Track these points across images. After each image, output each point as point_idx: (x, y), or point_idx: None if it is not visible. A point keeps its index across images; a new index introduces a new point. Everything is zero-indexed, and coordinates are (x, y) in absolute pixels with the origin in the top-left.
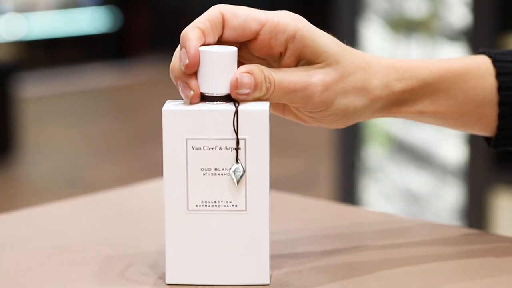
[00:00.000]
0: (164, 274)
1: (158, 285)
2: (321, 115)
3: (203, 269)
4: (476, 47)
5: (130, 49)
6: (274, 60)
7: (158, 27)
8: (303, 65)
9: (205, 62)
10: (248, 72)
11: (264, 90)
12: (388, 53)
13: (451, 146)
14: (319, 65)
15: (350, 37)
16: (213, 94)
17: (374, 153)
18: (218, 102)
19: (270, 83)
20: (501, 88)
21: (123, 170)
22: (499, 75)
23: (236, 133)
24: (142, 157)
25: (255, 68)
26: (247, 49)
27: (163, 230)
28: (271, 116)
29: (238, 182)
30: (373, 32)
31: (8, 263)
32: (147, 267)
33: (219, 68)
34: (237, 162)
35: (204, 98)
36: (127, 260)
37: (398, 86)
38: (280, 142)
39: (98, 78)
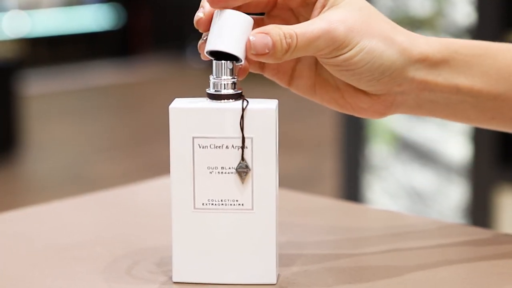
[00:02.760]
0: (171, 272)
1: (165, 283)
2: (349, 63)
3: (210, 267)
4: None
5: (133, 46)
6: (307, 17)
7: (161, 24)
8: (325, 11)
9: (222, 21)
10: (262, 33)
11: (285, 45)
12: None
13: (455, 144)
14: (339, 5)
15: None
16: (220, 92)
17: (378, 151)
18: (226, 100)
19: (291, 37)
20: None
21: (126, 167)
22: None
23: (242, 131)
24: (145, 154)
25: (270, 27)
26: (283, 1)
27: (169, 228)
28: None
29: (243, 180)
30: None
31: (15, 259)
32: (153, 265)
33: (236, 29)
34: (242, 160)
35: (211, 96)
36: (133, 257)
37: (428, 49)
38: (284, 140)
39: (101, 76)
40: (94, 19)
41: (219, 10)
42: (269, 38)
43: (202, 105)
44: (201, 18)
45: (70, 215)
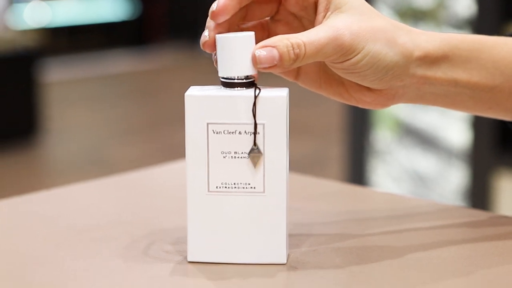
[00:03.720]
0: (186, 252)
1: (180, 263)
2: (355, 67)
3: (223, 248)
4: None
5: (149, 35)
6: (309, 19)
7: (177, 14)
8: (329, 16)
9: (223, 48)
10: (268, 46)
11: (292, 56)
12: None
13: (456, 130)
14: (342, 9)
15: None
16: (234, 79)
17: (382, 137)
18: (239, 88)
19: (299, 47)
20: None
21: (142, 151)
22: None
23: (254, 118)
24: (161, 139)
25: (277, 39)
26: (284, 6)
27: (184, 210)
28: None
29: (255, 164)
30: None
31: (37, 239)
32: (169, 245)
33: (237, 52)
34: (254, 145)
35: (225, 84)
36: (150, 238)
37: (429, 47)
38: (294, 126)
39: (119, 64)
40: (112, 9)
41: (219, 36)
42: (275, 51)
43: (216, 92)
44: (206, 41)
45: (90, 197)
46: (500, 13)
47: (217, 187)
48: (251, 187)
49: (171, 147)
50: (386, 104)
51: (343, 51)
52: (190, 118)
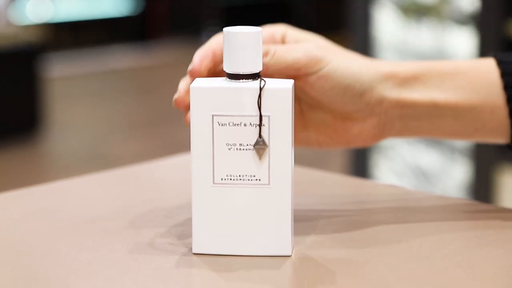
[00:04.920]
0: (191, 244)
1: (185, 255)
2: (325, 82)
3: (228, 239)
4: (484, 31)
5: (151, 31)
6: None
7: (178, 10)
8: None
9: (230, 42)
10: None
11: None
12: (400, 37)
13: None
14: (307, 40)
15: (363, 21)
16: (238, 72)
17: None
18: (244, 80)
19: (268, 50)
20: (507, 87)
21: (144, 147)
22: (503, 75)
23: (260, 110)
24: (162, 135)
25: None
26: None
27: (188, 203)
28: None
29: (260, 156)
30: (385, 16)
31: (40, 232)
32: (174, 238)
33: (244, 47)
34: (259, 137)
35: (230, 76)
36: (155, 230)
37: (397, 67)
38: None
39: (121, 59)
40: (114, 5)
41: (226, 30)
42: None
43: (221, 84)
44: (176, 98)
45: (93, 190)
46: (503, 8)
47: (222, 179)
48: (256, 179)
49: (172, 143)
50: (377, 137)
51: (315, 60)
52: (195, 110)
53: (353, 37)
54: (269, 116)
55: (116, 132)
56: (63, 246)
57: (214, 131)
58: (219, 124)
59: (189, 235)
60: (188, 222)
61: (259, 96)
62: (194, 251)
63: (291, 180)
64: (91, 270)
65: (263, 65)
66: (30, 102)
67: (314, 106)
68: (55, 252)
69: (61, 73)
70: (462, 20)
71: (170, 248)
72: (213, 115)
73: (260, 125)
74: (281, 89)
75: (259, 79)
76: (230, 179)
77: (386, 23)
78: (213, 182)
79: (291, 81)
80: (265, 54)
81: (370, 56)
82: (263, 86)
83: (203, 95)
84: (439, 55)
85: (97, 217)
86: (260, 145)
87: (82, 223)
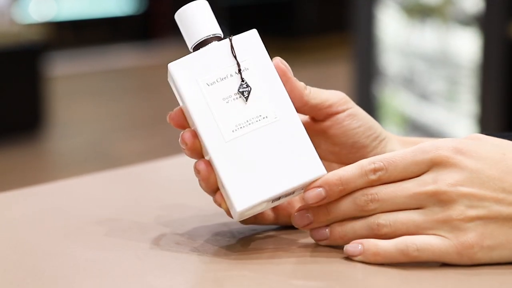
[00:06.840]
0: (196, 243)
1: (191, 253)
2: (349, 121)
3: (263, 184)
4: (487, 32)
5: (154, 30)
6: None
7: None
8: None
9: (183, 20)
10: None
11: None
12: (403, 38)
13: (462, 125)
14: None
15: (366, 22)
16: (203, 39)
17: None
18: (211, 43)
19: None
20: None
21: (146, 145)
22: None
23: (236, 58)
24: (165, 133)
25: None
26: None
27: (192, 201)
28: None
29: (247, 99)
30: (389, 17)
31: (45, 231)
32: (180, 237)
33: (195, 15)
34: (242, 81)
35: (196, 46)
36: (160, 230)
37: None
38: None
39: (124, 58)
40: (117, 4)
41: (176, 13)
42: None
43: (195, 53)
44: (171, 113)
45: (97, 189)
46: (507, 10)
47: (232, 131)
48: (263, 118)
49: (175, 141)
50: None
51: (344, 99)
52: (182, 82)
53: (356, 38)
54: (246, 60)
55: (119, 131)
56: (67, 245)
57: (206, 92)
58: (208, 84)
59: (194, 234)
60: (193, 222)
61: (231, 46)
62: (238, 209)
63: (293, 107)
64: (96, 270)
65: (303, 98)
66: (33, 100)
67: (331, 152)
68: (59, 252)
69: (64, 71)
70: (466, 21)
71: (177, 248)
72: (197, 80)
73: (239, 70)
74: (247, 34)
75: (224, 38)
76: (240, 127)
77: (389, 23)
78: (225, 138)
79: (254, 30)
80: (304, 88)
81: (374, 56)
82: (231, 38)
83: (181, 66)
84: (443, 56)
85: (102, 217)
86: (244, 88)
87: (86, 223)
